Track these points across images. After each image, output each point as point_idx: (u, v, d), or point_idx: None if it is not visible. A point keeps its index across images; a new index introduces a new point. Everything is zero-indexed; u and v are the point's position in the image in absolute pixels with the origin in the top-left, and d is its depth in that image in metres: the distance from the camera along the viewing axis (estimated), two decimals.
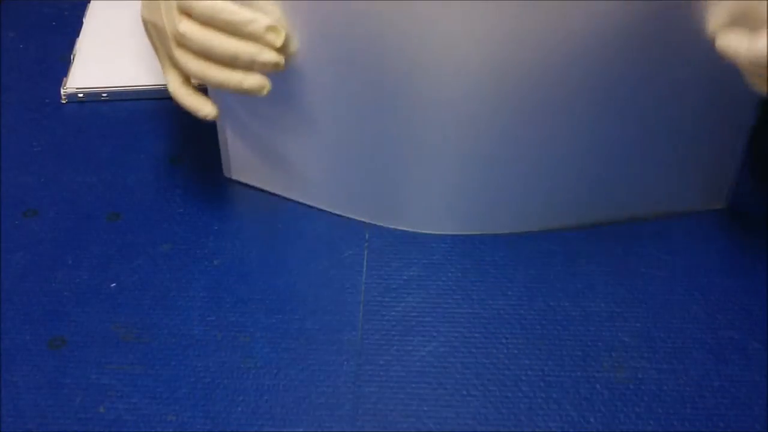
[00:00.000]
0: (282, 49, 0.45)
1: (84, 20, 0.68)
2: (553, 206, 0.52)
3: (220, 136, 0.54)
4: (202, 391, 0.45)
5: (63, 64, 0.65)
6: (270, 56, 0.45)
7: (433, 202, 0.52)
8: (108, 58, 0.64)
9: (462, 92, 0.46)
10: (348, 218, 0.53)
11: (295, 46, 0.46)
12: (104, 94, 0.63)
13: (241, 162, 0.54)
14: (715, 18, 0.43)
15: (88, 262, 0.52)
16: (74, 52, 0.66)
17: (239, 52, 0.45)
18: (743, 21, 0.42)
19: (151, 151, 0.58)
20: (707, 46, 0.43)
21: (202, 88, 0.49)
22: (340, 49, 0.46)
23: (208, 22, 0.45)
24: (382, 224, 0.53)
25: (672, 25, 0.44)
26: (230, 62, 0.45)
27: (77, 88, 0.63)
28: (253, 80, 0.46)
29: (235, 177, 0.56)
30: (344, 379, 0.46)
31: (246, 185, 0.55)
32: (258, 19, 0.44)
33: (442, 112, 0.47)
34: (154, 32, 0.48)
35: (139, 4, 0.49)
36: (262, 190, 0.55)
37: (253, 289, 0.50)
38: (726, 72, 0.43)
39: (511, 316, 0.48)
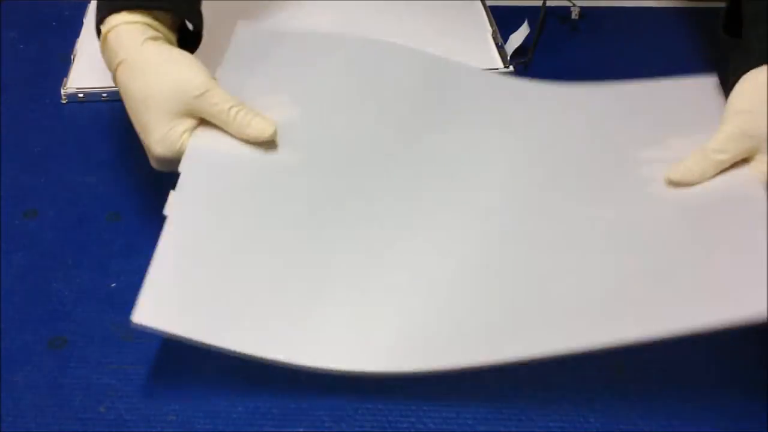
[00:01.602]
0: None
1: (84, 20, 0.68)
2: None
3: None
4: (202, 390, 0.45)
5: (63, 64, 0.65)
6: None
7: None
8: None
9: None
10: None
11: None
12: (104, 94, 0.63)
13: None
14: None
15: (88, 262, 0.52)
16: (74, 52, 0.66)
17: None
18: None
19: None
20: None
21: None
22: None
23: None
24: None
25: None
26: None
27: (77, 88, 0.63)
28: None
29: None
30: (345, 379, 0.46)
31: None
32: None
33: None
34: None
35: None
36: None
37: None
38: None
39: None
